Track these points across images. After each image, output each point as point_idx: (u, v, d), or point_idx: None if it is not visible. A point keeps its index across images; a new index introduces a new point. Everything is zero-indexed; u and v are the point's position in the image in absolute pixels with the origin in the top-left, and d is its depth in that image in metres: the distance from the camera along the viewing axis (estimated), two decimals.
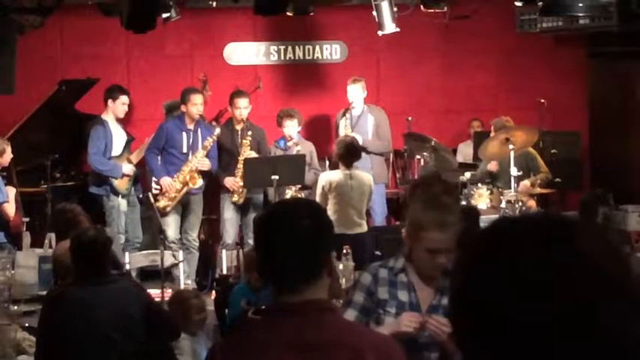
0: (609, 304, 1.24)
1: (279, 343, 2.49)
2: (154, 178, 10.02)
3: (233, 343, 2.63)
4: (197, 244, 10.14)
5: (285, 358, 2.47)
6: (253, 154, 9.94)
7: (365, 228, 8.67)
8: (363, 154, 10.09)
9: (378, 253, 8.61)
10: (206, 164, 9.87)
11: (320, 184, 8.64)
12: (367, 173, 9.07)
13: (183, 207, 10.01)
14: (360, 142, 10.13)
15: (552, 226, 1.31)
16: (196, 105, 9.85)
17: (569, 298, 1.23)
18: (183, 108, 9.90)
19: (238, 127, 10.09)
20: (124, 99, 9.98)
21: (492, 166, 10.07)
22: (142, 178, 10.39)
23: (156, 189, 9.92)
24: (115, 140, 9.95)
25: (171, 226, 9.84)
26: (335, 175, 8.62)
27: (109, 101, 9.95)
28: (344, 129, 10.34)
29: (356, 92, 10.34)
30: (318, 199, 8.53)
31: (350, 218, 8.48)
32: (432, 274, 3.76)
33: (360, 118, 10.35)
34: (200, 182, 9.88)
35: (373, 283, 3.85)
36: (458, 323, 1.33)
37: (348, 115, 10.32)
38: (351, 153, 8.64)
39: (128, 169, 9.92)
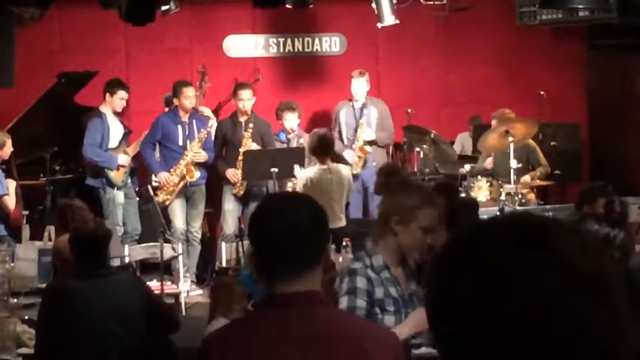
0: (580, 304, 1.22)
1: (278, 335, 2.47)
2: (153, 177, 10.05)
3: (230, 335, 2.59)
4: (199, 236, 10.14)
5: (285, 350, 2.46)
6: (254, 147, 9.94)
7: (344, 222, 8.65)
8: (368, 148, 10.11)
9: None
10: (202, 156, 9.88)
11: (300, 183, 8.54)
12: (344, 165, 9.05)
13: (187, 199, 10.01)
14: (373, 137, 10.19)
15: (525, 225, 1.29)
16: (188, 97, 9.86)
17: (531, 296, 1.21)
18: (175, 101, 9.91)
19: (242, 120, 10.09)
20: (121, 94, 9.99)
21: (488, 163, 10.08)
22: (138, 171, 10.38)
23: (155, 181, 9.93)
24: (112, 133, 9.96)
25: (178, 218, 9.87)
26: (313, 172, 8.55)
27: (107, 95, 9.97)
28: (345, 121, 10.30)
29: (360, 86, 10.34)
30: None
31: (335, 213, 8.40)
32: (416, 255, 3.83)
33: (363, 110, 10.35)
34: (197, 175, 9.88)
35: (370, 285, 3.88)
36: (431, 324, 1.32)
37: (354, 108, 10.31)
38: (325, 146, 8.56)
39: (123, 159, 9.93)
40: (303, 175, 8.61)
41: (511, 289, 1.22)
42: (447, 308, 1.27)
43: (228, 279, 6.36)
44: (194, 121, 9.96)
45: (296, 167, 9.05)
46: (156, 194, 9.49)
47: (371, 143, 10.23)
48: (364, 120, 10.27)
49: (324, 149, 8.54)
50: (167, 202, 9.81)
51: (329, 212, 8.48)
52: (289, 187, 9.74)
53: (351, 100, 10.43)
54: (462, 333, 1.25)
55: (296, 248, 2.55)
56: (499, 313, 1.22)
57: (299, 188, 8.55)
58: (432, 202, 3.86)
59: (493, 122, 9.98)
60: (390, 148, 11.06)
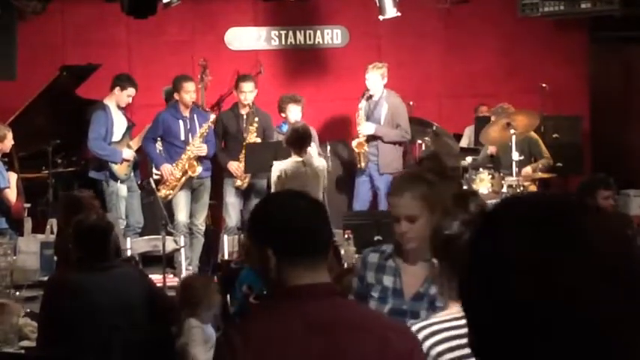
0: (599, 287, 1.21)
1: (303, 326, 2.48)
2: (154, 170, 10.06)
3: (252, 329, 2.59)
4: (203, 229, 10.15)
5: (310, 341, 2.46)
6: (258, 141, 9.95)
7: None
8: (373, 143, 10.04)
9: (378, 237, 8.61)
10: (203, 150, 9.88)
11: (275, 174, 8.44)
12: (319, 158, 9.01)
13: (192, 192, 10.02)
14: (372, 132, 10.10)
15: (548, 204, 1.29)
16: (189, 92, 9.84)
17: (552, 278, 1.21)
18: (176, 96, 9.90)
19: (243, 112, 10.08)
20: (131, 91, 9.96)
21: (492, 149, 10.05)
22: (141, 164, 10.39)
23: (156, 174, 9.93)
24: (115, 126, 9.96)
25: (182, 210, 9.88)
26: (288, 164, 8.48)
27: (117, 89, 9.92)
28: (362, 116, 10.21)
29: (374, 79, 10.14)
30: (273, 188, 8.41)
31: None
32: (405, 246, 3.76)
33: (377, 105, 10.22)
34: (199, 169, 9.87)
35: (362, 267, 3.90)
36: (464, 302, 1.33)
37: (364, 103, 10.15)
38: (300, 139, 8.52)
39: (128, 154, 9.92)
40: (279, 166, 8.54)
41: (533, 274, 1.22)
42: (475, 292, 1.29)
43: (198, 280, 6.29)
44: (195, 115, 9.96)
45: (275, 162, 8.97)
46: (158, 189, 9.50)
47: (374, 139, 10.11)
48: (363, 111, 10.16)
49: (300, 142, 8.50)
50: (169, 197, 9.82)
51: None
52: None
53: (365, 92, 10.26)
54: (490, 317, 1.26)
55: (310, 239, 2.59)
56: (522, 296, 1.22)
57: (273, 180, 8.51)
58: (394, 191, 3.83)
59: (492, 118, 9.98)
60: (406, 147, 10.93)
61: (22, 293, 6.57)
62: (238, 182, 10.04)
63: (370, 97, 10.16)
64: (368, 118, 10.10)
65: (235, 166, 9.98)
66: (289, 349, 2.47)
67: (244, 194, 10.14)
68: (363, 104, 10.14)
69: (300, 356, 2.46)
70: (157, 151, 10.02)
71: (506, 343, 1.24)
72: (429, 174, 3.84)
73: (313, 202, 2.71)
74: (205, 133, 9.88)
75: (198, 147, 9.85)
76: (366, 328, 2.55)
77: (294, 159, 8.44)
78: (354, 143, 10.14)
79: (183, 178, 9.85)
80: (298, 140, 8.48)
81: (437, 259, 3.13)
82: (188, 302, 5.51)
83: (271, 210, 2.68)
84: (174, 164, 9.84)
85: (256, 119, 9.96)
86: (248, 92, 10.02)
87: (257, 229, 2.69)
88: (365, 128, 10.03)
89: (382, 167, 9.99)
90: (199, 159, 9.90)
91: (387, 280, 3.81)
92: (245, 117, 10.07)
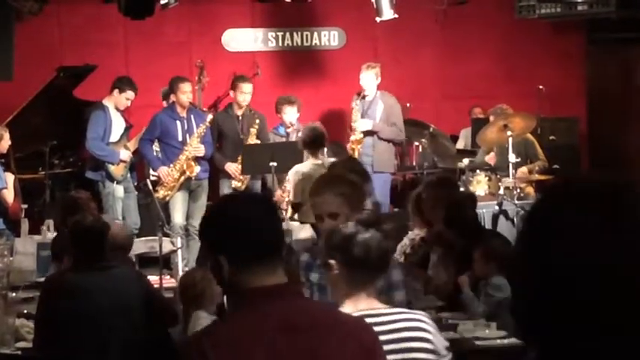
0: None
1: (269, 327, 2.47)
2: (152, 171, 10.05)
3: (220, 331, 2.59)
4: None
5: (278, 341, 2.46)
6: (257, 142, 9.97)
7: None
8: (369, 141, 10.03)
9: None
10: (201, 150, 9.87)
11: (292, 178, 8.48)
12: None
13: (189, 193, 10.01)
14: (370, 127, 10.09)
15: (601, 183, 1.32)
16: (186, 93, 9.84)
17: (613, 250, 1.24)
18: (173, 97, 9.90)
19: (239, 113, 10.09)
20: (130, 94, 9.95)
21: (491, 159, 10.02)
22: (137, 165, 10.38)
23: (153, 175, 9.93)
24: (113, 126, 9.95)
25: (179, 211, 9.86)
26: (306, 167, 8.43)
27: (116, 91, 9.91)
28: (356, 114, 10.24)
29: (369, 79, 10.18)
30: (292, 193, 8.38)
31: None
32: None
33: (372, 104, 10.23)
34: (197, 169, 9.87)
35: (299, 267, 4.29)
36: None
37: (359, 102, 10.19)
38: (316, 141, 8.52)
39: (125, 155, 9.92)
40: (297, 169, 8.54)
41: (589, 246, 1.25)
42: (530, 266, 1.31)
43: (197, 273, 6.24)
44: (192, 115, 9.96)
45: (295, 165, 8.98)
46: (156, 190, 9.49)
47: (369, 137, 10.11)
48: (358, 109, 10.16)
49: (317, 143, 8.50)
50: (167, 198, 9.81)
51: None
52: (287, 180, 9.74)
53: (359, 93, 10.29)
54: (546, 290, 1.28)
55: (266, 241, 2.58)
56: (581, 271, 1.25)
57: (290, 182, 8.49)
58: (314, 191, 4.19)
59: (491, 118, 9.98)
60: (401, 148, 10.95)
61: (18, 294, 6.55)
62: (236, 183, 10.03)
63: (364, 96, 10.19)
64: (362, 117, 10.12)
65: (234, 168, 9.98)
66: (258, 350, 2.45)
67: None
68: (357, 103, 10.15)
69: (270, 357, 2.45)
70: (154, 152, 10.01)
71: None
72: (351, 174, 4.18)
73: (264, 204, 2.71)
74: (203, 134, 9.88)
75: (195, 147, 9.85)
76: (332, 325, 2.57)
77: (312, 161, 8.42)
78: (352, 138, 10.09)
79: (182, 179, 9.85)
80: (314, 141, 8.46)
81: (333, 258, 3.39)
82: (191, 296, 5.49)
83: (222, 217, 2.66)
84: (171, 165, 9.83)
85: (257, 121, 9.98)
86: (247, 93, 10.04)
87: (209, 237, 2.68)
88: (362, 124, 10.01)
89: (377, 165, 9.96)
90: (197, 159, 9.89)
91: (314, 277, 4.09)
92: (240, 118, 10.07)
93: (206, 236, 2.68)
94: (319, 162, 8.37)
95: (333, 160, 8.78)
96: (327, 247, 3.46)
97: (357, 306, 3.31)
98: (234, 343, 2.48)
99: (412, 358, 3.39)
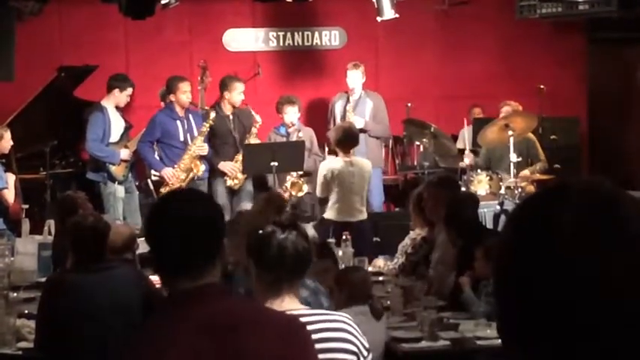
0: None
1: (188, 328, 2.47)
2: (153, 171, 10.04)
3: (140, 335, 2.62)
4: None
5: (195, 342, 2.45)
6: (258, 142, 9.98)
7: (365, 215, 8.61)
8: (361, 138, 10.07)
9: (377, 239, 8.61)
10: (205, 149, 9.87)
11: (322, 174, 8.51)
12: (365, 159, 9.05)
13: None
14: (362, 125, 10.13)
15: (594, 190, 1.29)
16: (185, 92, 9.84)
17: (596, 263, 1.22)
18: (172, 97, 9.88)
19: (229, 112, 10.07)
20: (129, 91, 9.98)
21: (470, 160, 10.04)
22: (137, 165, 10.37)
23: (155, 175, 9.92)
24: (113, 127, 9.94)
25: None
26: (336, 163, 8.51)
27: (116, 90, 9.90)
28: (340, 113, 10.30)
29: (356, 78, 10.35)
30: (319, 188, 8.46)
31: (353, 206, 8.41)
32: None
33: (359, 102, 10.36)
34: (203, 168, 9.88)
35: None
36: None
37: (350, 100, 10.33)
38: (349, 139, 8.57)
39: (126, 154, 9.91)
40: (327, 165, 8.58)
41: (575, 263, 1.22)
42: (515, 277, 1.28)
43: None
44: (190, 115, 9.96)
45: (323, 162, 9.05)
46: (159, 191, 9.49)
47: (361, 131, 10.12)
48: (350, 107, 10.25)
49: (349, 142, 8.55)
50: None
51: (347, 206, 8.61)
52: (288, 180, 9.75)
53: (347, 92, 10.43)
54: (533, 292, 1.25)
55: (191, 248, 2.57)
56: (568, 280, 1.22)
57: (319, 179, 8.53)
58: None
59: (501, 113, 9.98)
60: (390, 142, 11.06)
61: (19, 294, 6.55)
62: (231, 182, 9.99)
63: (348, 94, 10.39)
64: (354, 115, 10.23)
65: (230, 167, 9.95)
66: (171, 351, 2.44)
67: (233, 196, 10.09)
68: (338, 103, 10.27)
69: (185, 358, 2.44)
70: (154, 155, 9.98)
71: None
72: None
73: (206, 209, 2.67)
74: (206, 132, 9.87)
75: (200, 146, 9.84)
76: (262, 322, 2.56)
77: (341, 158, 8.46)
78: None
79: (188, 178, 9.82)
80: (346, 139, 8.50)
81: (251, 257, 3.45)
82: None
83: (155, 216, 2.69)
84: (175, 166, 9.81)
85: (258, 120, 9.97)
86: (242, 93, 10.04)
87: (146, 232, 2.72)
88: (355, 122, 10.04)
89: (372, 162, 9.99)
90: (200, 158, 9.90)
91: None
92: (231, 117, 10.05)
93: (145, 231, 2.73)
94: (348, 159, 8.42)
95: (362, 158, 8.84)
96: (246, 249, 3.49)
97: (279, 307, 3.30)
98: (147, 344, 2.50)
99: (333, 359, 3.45)
